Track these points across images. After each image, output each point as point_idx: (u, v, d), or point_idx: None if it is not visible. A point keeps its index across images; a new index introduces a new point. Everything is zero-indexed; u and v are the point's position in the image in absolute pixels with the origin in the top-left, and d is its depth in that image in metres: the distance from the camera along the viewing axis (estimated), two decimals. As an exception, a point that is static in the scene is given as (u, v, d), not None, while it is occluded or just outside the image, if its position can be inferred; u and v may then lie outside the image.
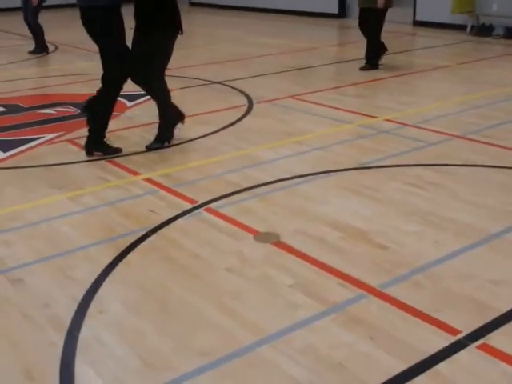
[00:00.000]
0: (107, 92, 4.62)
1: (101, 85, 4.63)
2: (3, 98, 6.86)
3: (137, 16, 4.66)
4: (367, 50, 7.80)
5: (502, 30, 10.31)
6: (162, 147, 4.92)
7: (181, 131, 5.14)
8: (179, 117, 5.03)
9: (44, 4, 9.17)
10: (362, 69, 7.76)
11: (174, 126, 5.01)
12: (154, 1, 4.54)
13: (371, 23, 7.55)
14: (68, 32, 9.77)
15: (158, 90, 4.83)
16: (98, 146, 4.74)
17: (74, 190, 4.12)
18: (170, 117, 4.93)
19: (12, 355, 2.48)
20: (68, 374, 2.35)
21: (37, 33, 9.15)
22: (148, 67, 4.67)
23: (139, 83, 4.82)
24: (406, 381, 2.27)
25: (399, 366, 2.35)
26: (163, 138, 4.95)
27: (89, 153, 4.73)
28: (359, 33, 7.88)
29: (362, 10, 7.60)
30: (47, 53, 9.30)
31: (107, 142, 4.78)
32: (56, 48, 10.03)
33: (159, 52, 4.69)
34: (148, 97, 5.35)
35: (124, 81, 4.65)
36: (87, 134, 4.76)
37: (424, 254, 3.20)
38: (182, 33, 4.74)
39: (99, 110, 4.68)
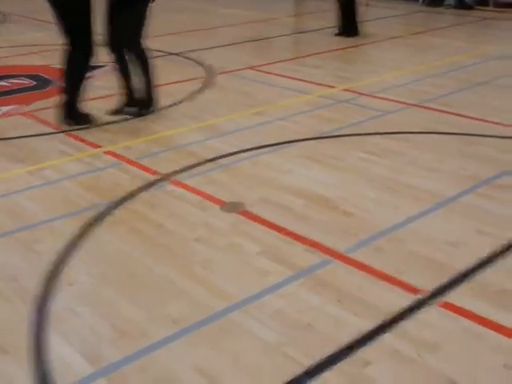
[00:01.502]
0: (77, 55, 4.54)
1: (70, 47, 4.53)
2: (-48, 70, 6.63)
3: None
4: (341, 18, 7.92)
5: (453, 1, 10.50)
6: (154, 110, 5.00)
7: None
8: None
9: None
10: (338, 35, 7.98)
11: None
12: None
13: None
14: (17, 2, 9.41)
15: (139, 57, 4.85)
16: (72, 115, 4.67)
17: (34, 164, 4.05)
18: (153, 80, 4.97)
19: (-18, 329, 2.47)
20: (41, 345, 2.36)
21: None
22: (124, 36, 4.71)
23: (113, 51, 4.81)
24: (374, 338, 2.37)
25: (367, 326, 2.44)
26: (151, 102, 4.99)
27: (66, 122, 4.65)
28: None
29: None
30: None
31: (80, 111, 4.72)
32: (4, 17, 9.67)
33: (134, 20, 4.75)
34: (104, 69, 5.29)
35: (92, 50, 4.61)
36: (61, 102, 4.67)
37: (385, 219, 3.30)
38: (153, 1, 4.82)
39: (71, 75, 4.60)
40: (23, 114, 5.08)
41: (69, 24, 4.49)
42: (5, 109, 5.15)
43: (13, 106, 5.21)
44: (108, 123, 4.83)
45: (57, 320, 2.50)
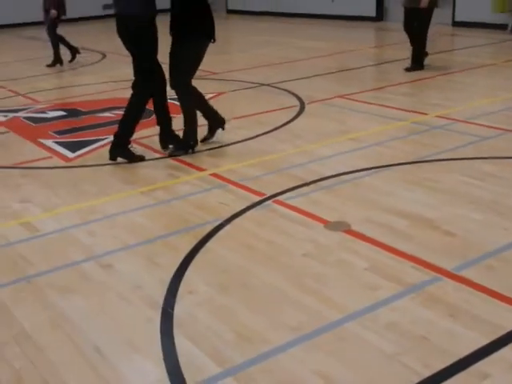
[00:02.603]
0: (138, 98, 4.75)
1: (132, 91, 4.78)
2: (62, 103, 7.20)
3: (172, 24, 4.76)
4: (412, 51, 7.88)
5: (543, 28, 10.31)
6: (185, 154, 4.89)
7: (239, 130, 5.33)
8: (220, 122, 5.14)
9: (63, 17, 9.29)
10: (408, 70, 7.84)
11: (215, 130, 5.08)
12: (189, 9, 4.64)
13: (416, 23, 7.65)
14: (110, 42, 10.09)
15: (183, 96, 4.83)
16: (122, 152, 4.80)
17: (146, 186, 4.33)
18: (194, 124, 4.89)
19: (115, 330, 2.67)
20: (169, 345, 2.53)
21: (54, 45, 9.35)
22: (178, 73, 4.75)
23: (173, 88, 4.85)
24: (491, 353, 2.38)
25: (482, 340, 2.46)
26: (187, 145, 4.91)
27: (112, 158, 4.78)
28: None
29: (406, 10, 7.68)
30: (61, 64, 9.45)
31: (131, 149, 4.83)
32: (104, 56, 10.38)
33: (188, 58, 4.75)
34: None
35: (154, 89, 4.76)
36: (113, 138, 4.86)
37: (492, 239, 3.30)
38: (214, 41, 4.79)
39: (129, 116, 4.79)
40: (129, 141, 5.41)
41: (134, 60, 4.71)
42: (112, 137, 5.51)
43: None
44: (211, 149, 5.07)
45: (181, 324, 2.68)
